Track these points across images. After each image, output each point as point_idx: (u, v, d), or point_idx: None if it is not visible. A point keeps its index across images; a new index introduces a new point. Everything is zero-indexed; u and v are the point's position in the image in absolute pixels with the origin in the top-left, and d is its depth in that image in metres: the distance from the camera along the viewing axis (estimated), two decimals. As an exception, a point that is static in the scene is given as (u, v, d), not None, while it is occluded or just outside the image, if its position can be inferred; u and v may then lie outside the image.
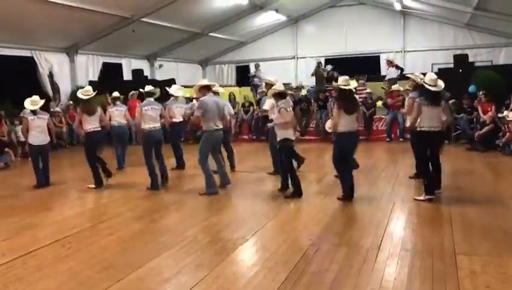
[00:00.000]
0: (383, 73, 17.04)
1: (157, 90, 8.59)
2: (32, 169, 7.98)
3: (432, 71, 14.49)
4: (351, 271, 3.87)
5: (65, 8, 11.36)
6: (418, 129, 6.08)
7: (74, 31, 13.47)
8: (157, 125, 7.46)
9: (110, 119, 9.06)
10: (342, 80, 6.31)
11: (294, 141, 6.67)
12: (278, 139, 6.56)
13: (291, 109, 6.63)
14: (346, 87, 6.19)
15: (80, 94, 7.88)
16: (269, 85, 7.38)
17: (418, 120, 6.06)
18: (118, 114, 9.33)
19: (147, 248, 4.61)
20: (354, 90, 6.75)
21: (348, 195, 6.22)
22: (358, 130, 6.38)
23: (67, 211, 6.51)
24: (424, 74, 6.36)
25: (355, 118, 6.22)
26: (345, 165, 6.32)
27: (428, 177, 6.17)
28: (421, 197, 6.06)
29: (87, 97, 7.75)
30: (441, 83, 6.06)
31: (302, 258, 4.18)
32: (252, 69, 17.05)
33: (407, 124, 6.96)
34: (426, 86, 5.99)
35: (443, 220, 5.25)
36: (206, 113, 6.78)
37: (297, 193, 6.50)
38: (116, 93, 9.80)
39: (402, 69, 14.56)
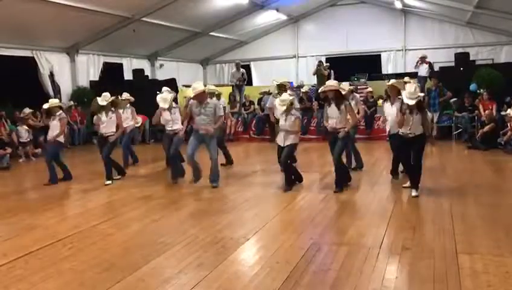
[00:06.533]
0: (398, 71, 16.78)
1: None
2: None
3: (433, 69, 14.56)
4: (353, 270, 3.86)
5: (66, 8, 11.36)
6: (396, 132, 6.51)
7: (75, 31, 13.47)
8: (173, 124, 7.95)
9: None
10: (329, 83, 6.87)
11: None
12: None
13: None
14: (332, 88, 6.61)
15: (99, 100, 8.06)
16: (283, 86, 7.98)
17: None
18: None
19: (148, 248, 4.60)
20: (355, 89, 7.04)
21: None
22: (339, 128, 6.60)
23: (69, 211, 6.55)
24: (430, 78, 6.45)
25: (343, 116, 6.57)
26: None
27: (413, 174, 6.44)
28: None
29: (106, 103, 7.96)
30: (420, 94, 6.22)
31: (304, 258, 4.17)
32: (241, 70, 15.19)
33: (387, 127, 7.27)
34: (404, 98, 6.13)
35: (445, 218, 5.24)
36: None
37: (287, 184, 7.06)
38: (124, 95, 9.68)
39: (433, 67, 14.07)
